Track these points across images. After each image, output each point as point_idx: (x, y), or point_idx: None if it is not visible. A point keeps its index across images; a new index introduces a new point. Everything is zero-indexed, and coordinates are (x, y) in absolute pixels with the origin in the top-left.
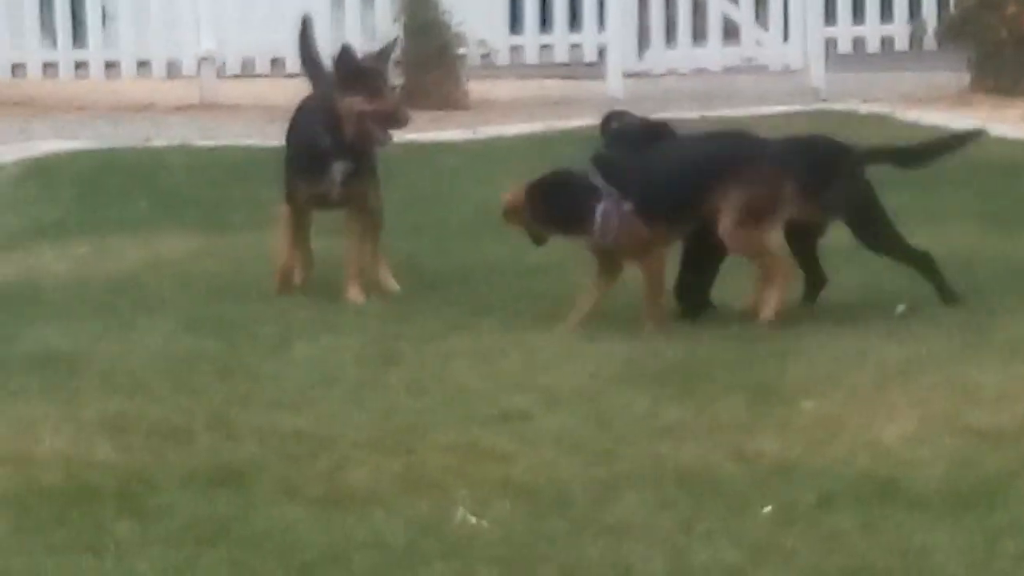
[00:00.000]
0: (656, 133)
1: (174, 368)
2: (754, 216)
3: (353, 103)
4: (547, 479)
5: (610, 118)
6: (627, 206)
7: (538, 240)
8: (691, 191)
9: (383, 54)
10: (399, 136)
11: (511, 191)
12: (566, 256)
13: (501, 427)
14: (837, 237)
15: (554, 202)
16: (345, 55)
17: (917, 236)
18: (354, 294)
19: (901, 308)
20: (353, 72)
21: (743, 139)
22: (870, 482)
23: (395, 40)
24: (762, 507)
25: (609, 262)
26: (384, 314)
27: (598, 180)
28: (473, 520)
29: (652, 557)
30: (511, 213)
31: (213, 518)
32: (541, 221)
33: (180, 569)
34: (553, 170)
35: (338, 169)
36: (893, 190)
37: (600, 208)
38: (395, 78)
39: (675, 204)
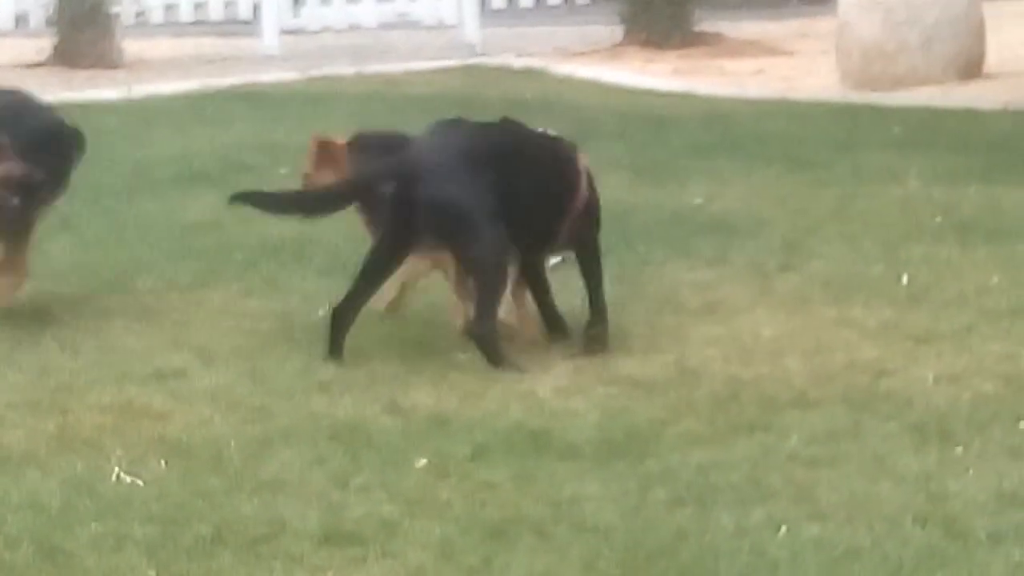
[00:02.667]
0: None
1: None
2: None
3: None
4: (202, 437)
5: None
6: None
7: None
8: None
9: None
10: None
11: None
12: (224, 214)
13: (156, 386)
14: None
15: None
16: None
17: None
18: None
19: (555, 260)
20: None
21: None
22: (523, 433)
23: None
24: (417, 460)
25: None
26: (39, 274)
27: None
28: (128, 479)
29: (307, 512)
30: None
31: None
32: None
33: None
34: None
35: None
36: None
37: None
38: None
39: None
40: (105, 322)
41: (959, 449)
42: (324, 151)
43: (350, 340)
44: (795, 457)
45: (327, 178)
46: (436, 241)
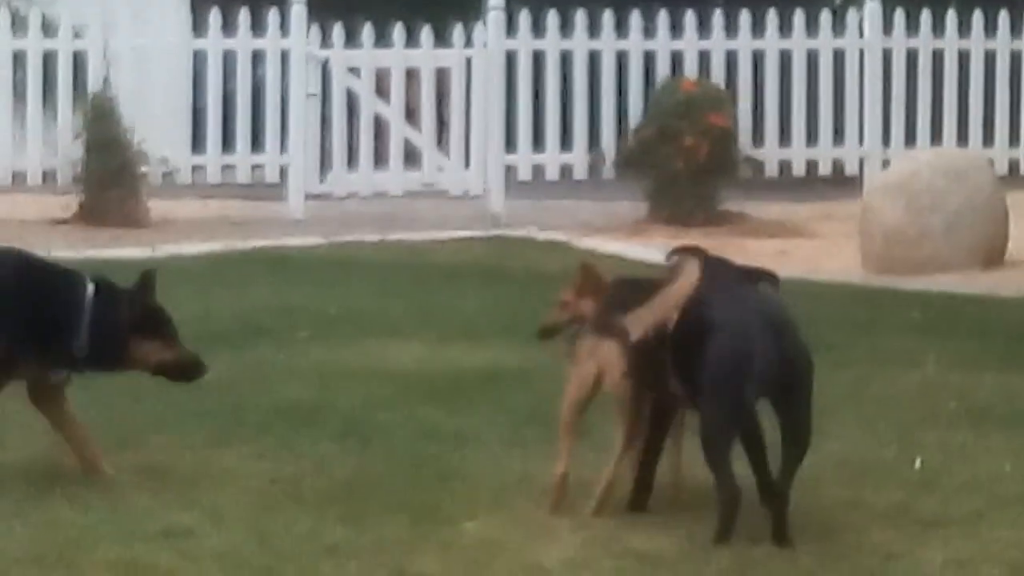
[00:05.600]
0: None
1: None
2: None
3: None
4: None
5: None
6: None
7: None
8: None
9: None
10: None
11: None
12: (239, 376)
13: (164, 544)
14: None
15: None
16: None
17: None
18: None
19: None
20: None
21: None
22: None
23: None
24: None
25: None
26: (50, 429)
27: None
28: None
29: None
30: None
31: None
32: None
33: None
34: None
35: None
36: None
37: None
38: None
39: None
40: (116, 478)
41: None
42: (589, 280)
43: (358, 504)
44: None
45: (586, 306)
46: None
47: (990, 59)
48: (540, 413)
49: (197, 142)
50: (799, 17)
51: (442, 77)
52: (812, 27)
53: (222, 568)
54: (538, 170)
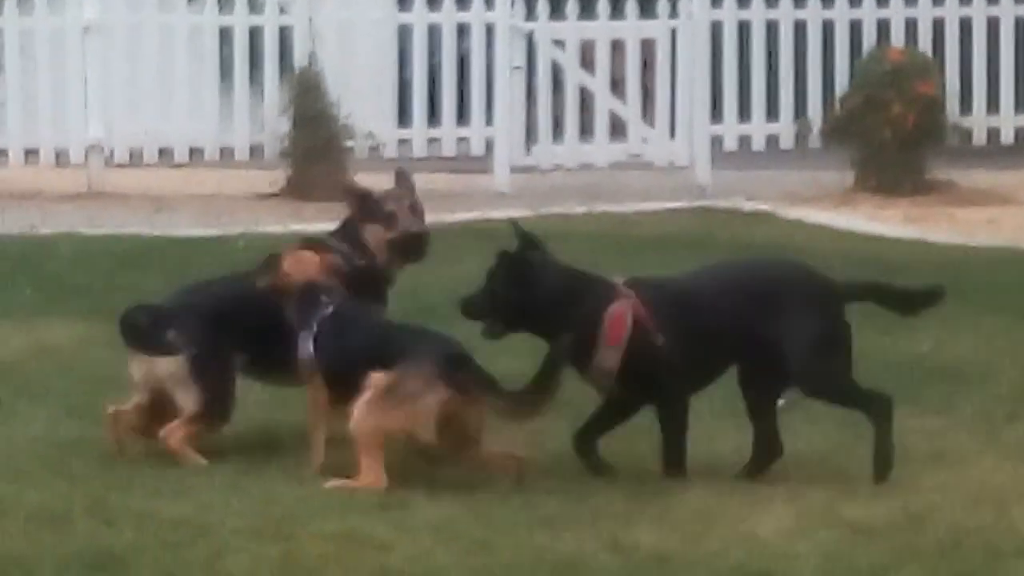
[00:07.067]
0: None
1: (54, 454)
2: None
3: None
4: (423, 568)
5: None
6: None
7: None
8: None
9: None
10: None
11: None
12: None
13: (380, 516)
14: None
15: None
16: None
17: None
18: None
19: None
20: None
21: None
22: (744, 575)
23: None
24: None
25: None
26: (266, 402)
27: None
28: None
29: None
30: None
31: None
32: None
33: None
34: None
35: None
36: None
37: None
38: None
39: None
40: (331, 451)
41: None
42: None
43: (572, 476)
44: None
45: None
46: None
47: None
48: None
49: (403, 116)
50: None
51: (647, 48)
52: None
53: (438, 540)
54: (744, 140)
